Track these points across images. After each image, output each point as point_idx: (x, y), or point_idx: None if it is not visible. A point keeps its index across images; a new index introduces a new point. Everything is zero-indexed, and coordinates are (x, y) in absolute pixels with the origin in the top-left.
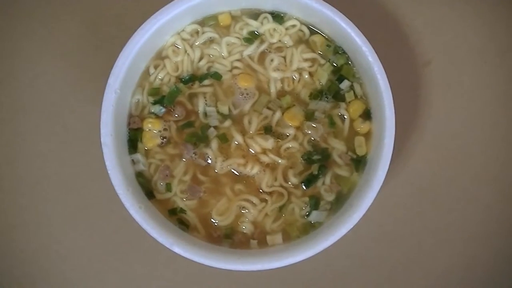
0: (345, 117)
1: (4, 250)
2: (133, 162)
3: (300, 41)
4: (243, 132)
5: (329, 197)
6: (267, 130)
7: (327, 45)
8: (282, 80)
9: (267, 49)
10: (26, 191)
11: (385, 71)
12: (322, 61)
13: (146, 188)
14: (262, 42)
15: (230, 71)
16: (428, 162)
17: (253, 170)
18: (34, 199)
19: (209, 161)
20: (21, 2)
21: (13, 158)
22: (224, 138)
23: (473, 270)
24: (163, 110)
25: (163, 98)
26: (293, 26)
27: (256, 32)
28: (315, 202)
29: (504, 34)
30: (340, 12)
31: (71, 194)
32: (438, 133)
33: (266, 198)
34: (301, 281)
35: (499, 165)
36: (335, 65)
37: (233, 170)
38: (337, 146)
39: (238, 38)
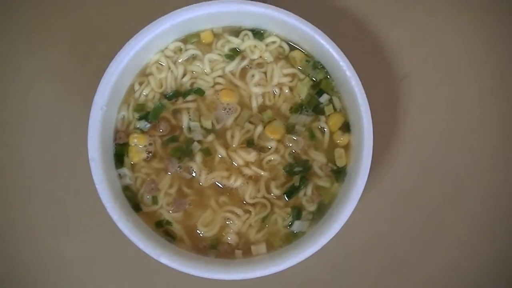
0: (325, 129)
1: None
2: (120, 176)
3: (280, 57)
4: (226, 146)
5: (311, 207)
6: (250, 143)
7: (307, 61)
8: (263, 95)
9: (248, 65)
10: (13, 203)
11: (364, 84)
12: (302, 76)
13: (133, 201)
14: (243, 58)
15: (213, 87)
16: (407, 172)
17: (236, 182)
18: (22, 211)
19: (194, 174)
20: (9, 16)
21: (2, 170)
22: (208, 152)
23: (453, 278)
24: (148, 125)
25: (148, 114)
26: (273, 42)
27: (237, 49)
28: (297, 213)
29: (481, 46)
30: (318, 28)
31: (60, 206)
32: (417, 143)
33: (250, 210)
34: None
35: (478, 174)
36: (315, 79)
37: (217, 183)
38: (318, 158)
39: (220, 54)
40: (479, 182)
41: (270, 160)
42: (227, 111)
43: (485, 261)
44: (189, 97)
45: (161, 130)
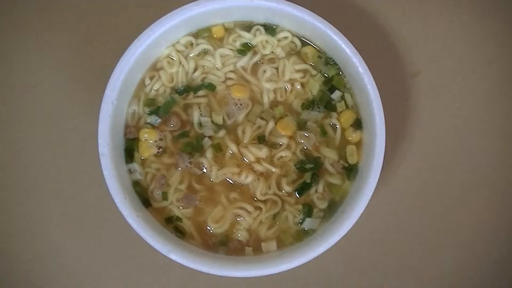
0: (337, 126)
1: (1, 258)
2: (130, 171)
3: (292, 52)
4: (237, 142)
5: (322, 204)
6: (261, 139)
7: (319, 57)
8: (274, 91)
9: (260, 61)
10: (23, 199)
11: (375, 81)
12: (314, 72)
13: (143, 197)
14: (255, 53)
15: (224, 82)
16: (418, 170)
17: (247, 178)
18: (31, 208)
19: (204, 170)
20: (18, 14)
21: (10, 167)
22: (218, 148)
23: (464, 276)
24: (159, 120)
25: (159, 109)
26: (285, 38)
27: (249, 44)
28: (308, 210)
29: (491, 44)
30: (331, 24)
31: (68, 202)
32: (428, 141)
33: (261, 206)
34: (295, 287)
35: (488, 172)
36: (327, 75)
37: (227, 179)
38: (329, 155)
39: (232, 49)
40: (490, 183)
41: (281, 157)
42: (238, 107)
43: (493, 262)
44: (200, 92)
45: (171, 125)
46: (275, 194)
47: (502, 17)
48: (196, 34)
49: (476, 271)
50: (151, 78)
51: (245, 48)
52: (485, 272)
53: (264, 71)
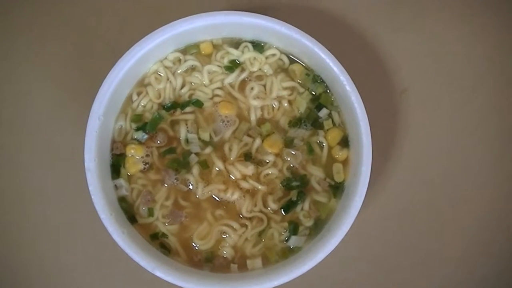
0: (324, 144)
1: None
2: (116, 187)
3: (280, 70)
4: (224, 159)
5: (308, 222)
6: (247, 156)
7: (306, 74)
8: (262, 108)
9: (247, 78)
10: (7, 209)
11: (363, 99)
12: (301, 90)
13: (129, 212)
14: (242, 70)
15: (211, 98)
16: (406, 187)
17: (233, 195)
18: (16, 221)
19: (191, 186)
20: (7, 23)
21: None
22: (205, 165)
23: None
24: (146, 136)
25: (146, 125)
26: (273, 55)
27: (237, 61)
28: (294, 227)
29: (481, 60)
30: (319, 42)
31: (53, 217)
32: (416, 157)
33: (246, 223)
34: None
35: (478, 188)
36: (314, 93)
37: (214, 196)
38: (316, 173)
39: (219, 66)
40: (479, 200)
41: (267, 174)
42: (226, 124)
43: (481, 278)
44: (187, 109)
45: (158, 142)
46: (261, 211)
47: (491, 35)
48: (184, 50)
49: (463, 286)
50: (139, 94)
51: (233, 65)
52: (473, 287)
53: (252, 88)
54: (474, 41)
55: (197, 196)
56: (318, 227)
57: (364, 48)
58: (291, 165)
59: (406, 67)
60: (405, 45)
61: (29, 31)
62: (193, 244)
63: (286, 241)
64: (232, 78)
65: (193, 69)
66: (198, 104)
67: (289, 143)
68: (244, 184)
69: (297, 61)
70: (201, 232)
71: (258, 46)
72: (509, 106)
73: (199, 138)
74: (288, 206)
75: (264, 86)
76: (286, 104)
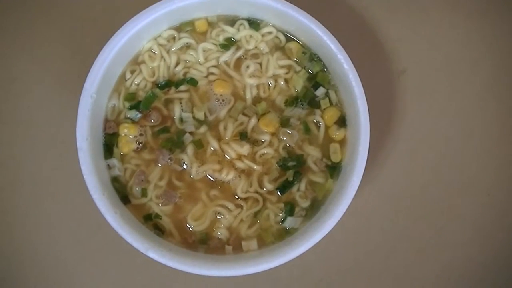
0: (320, 124)
1: None
2: (109, 167)
3: (276, 48)
4: (219, 138)
5: (304, 203)
6: (243, 136)
7: (303, 52)
8: (257, 87)
9: (243, 56)
10: None
11: (360, 79)
12: (298, 68)
13: (122, 193)
14: (238, 48)
15: (206, 77)
16: (402, 169)
17: (228, 176)
18: (8, 203)
19: (185, 166)
20: None
21: None
22: (199, 144)
23: (448, 277)
24: (139, 115)
25: (139, 104)
26: (269, 33)
27: (232, 39)
28: (290, 208)
29: (479, 43)
30: (316, 20)
31: (45, 198)
32: (413, 140)
33: (241, 204)
34: (276, 287)
35: (474, 172)
36: (311, 72)
37: (208, 176)
38: (312, 153)
39: (215, 44)
40: (476, 182)
41: (263, 154)
42: (221, 102)
43: (477, 264)
44: (182, 87)
45: (152, 121)
46: (256, 192)
47: (490, 17)
48: (179, 28)
49: (460, 272)
50: (132, 72)
51: (228, 43)
52: (469, 273)
53: (248, 67)
54: (471, 24)
55: (192, 176)
56: (315, 208)
57: (362, 28)
58: (287, 145)
59: (403, 48)
60: (402, 26)
61: (18, 15)
62: (187, 225)
63: (282, 222)
64: (227, 56)
65: (187, 47)
66: (193, 82)
67: (285, 123)
68: (240, 164)
69: (294, 39)
70: (196, 213)
71: (254, 24)
72: (506, 88)
73: (194, 117)
74: (284, 187)
75: (260, 64)
76: (282, 83)
